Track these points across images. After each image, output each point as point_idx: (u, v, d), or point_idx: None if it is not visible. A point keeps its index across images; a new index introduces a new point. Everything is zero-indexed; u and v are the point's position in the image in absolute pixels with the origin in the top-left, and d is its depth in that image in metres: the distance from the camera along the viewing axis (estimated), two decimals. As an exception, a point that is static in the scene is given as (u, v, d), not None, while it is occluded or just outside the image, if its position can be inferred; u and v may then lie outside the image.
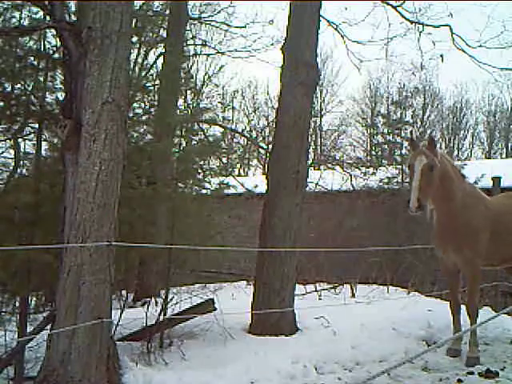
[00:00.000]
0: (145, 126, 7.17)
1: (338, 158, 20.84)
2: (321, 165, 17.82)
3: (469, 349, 5.60)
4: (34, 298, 6.22)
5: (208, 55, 21.01)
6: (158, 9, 12.59)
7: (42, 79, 6.02)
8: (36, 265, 5.18)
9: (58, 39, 5.41)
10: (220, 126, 12.52)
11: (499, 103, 32.06)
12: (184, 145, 7.34)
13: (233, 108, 27.52)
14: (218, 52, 17.88)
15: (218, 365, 5.17)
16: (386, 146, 15.33)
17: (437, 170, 5.01)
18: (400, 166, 12.80)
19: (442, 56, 10.93)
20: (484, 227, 5.54)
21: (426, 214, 5.42)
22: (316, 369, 5.35)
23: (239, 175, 21.04)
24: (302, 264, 9.21)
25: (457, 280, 5.81)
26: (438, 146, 5.74)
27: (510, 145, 31.85)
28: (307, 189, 7.53)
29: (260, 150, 22.26)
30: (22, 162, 6.59)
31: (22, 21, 6.12)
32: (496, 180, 9.14)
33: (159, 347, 5.84)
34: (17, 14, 6.12)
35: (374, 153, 24.95)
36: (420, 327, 6.49)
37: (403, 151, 13.48)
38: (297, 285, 7.13)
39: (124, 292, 7.32)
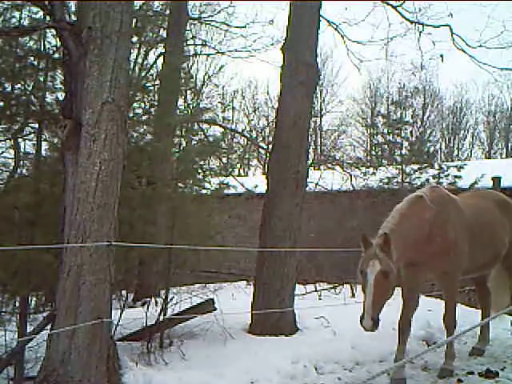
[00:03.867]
0: (145, 126, 7.17)
1: (338, 157, 20.84)
2: (321, 165, 17.83)
3: (445, 360, 5.28)
4: (34, 298, 6.22)
5: (208, 55, 21.04)
6: (158, 9, 12.62)
7: (42, 79, 6.02)
8: (36, 265, 5.18)
9: (58, 39, 5.42)
10: (220, 126, 12.52)
11: (499, 103, 32.05)
12: (184, 145, 7.35)
13: (233, 108, 27.54)
14: (218, 52, 17.91)
15: (218, 365, 5.17)
16: (386, 146, 15.30)
17: (393, 273, 4.38)
18: (400, 166, 12.79)
19: (442, 56, 10.95)
20: (463, 235, 5.14)
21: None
22: (316, 369, 5.35)
23: (239, 175, 21.03)
24: (302, 264, 9.22)
25: (416, 301, 5.28)
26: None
27: (510, 145, 31.84)
28: (307, 189, 7.52)
29: (260, 149, 22.25)
30: (22, 162, 6.60)
31: (22, 21, 6.12)
32: (496, 180, 9.15)
33: (159, 347, 5.84)
34: (17, 14, 6.13)
35: (374, 153, 24.93)
36: (420, 327, 6.49)
37: (403, 151, 13.46)
38: (297, 285, 7.14)
39: (124, 292, 7.32)
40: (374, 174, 12.97)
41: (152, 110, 7.34)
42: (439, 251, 4.93)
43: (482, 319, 6.06)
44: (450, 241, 4.99)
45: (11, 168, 6.49)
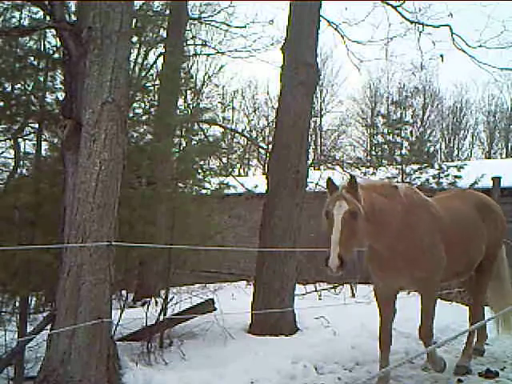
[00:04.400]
0: (145, 126, 7.17)
1: (338, 157, 20.86)
2: (321, 165, 17.81)
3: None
4: (34, 298, 6.22)
5: (208, 55, 21.05)
6: (158, 9, 12.61)
7: (42, 79, 6.02)
8: (36, 265, 5.18)
9: (58, 39, 5.42)
10: (220, 126, 12.53)
11: (499, 103, 32.09)
12: (184, 145, 7.34)
13: (233, 108, 27.57)
14: (218, 52, 17.92)
15: (218, 365, 5.17)
16: (385, 146, 15.29)
17: (361, 216, 4.01)
18: (400, 166, 12.79)
19: (442, 56, 10.96)
20: (439, 239, 4.65)
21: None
22: (316, 369, 5.34)
23: (239, 175, 21.03)
24: (302, 264, 9.21)
25: (392, 308, 4.87)
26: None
27: (510, 145, 31.85)
28: (307, 189, 7.51)
29: (260, 149, 22.27)
30: (22, 162, 6.60)
31: (22, 21, 6.13)
32: (496, 180, 9.14)
33: (159, 347, 5.85)
34: (17, 14, 6.13)
35: (374, 153, 24.93)
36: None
37: (403, 151, 13.47)
38: (297, 285, 7.14)
39: (124, 292, 7.33)
40: (374, 174, 12.98)
41: (152, 110, 7.35)
42: (412, 253, 4.47)
43: (472, 318, 5.65)
44: (424, 244, 4.54)
45: (11, 168, 6.50)
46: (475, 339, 5.57)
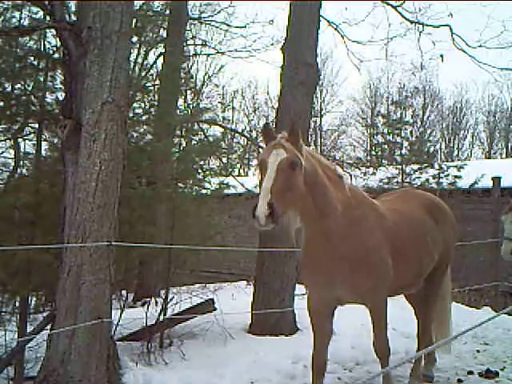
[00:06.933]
0: (145, 126, 7.18)
1: (338, 158, 20.87)
2: (321, 165, 17.76)
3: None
4: (34, 298, 6.22)
5: (208, 55, 21.08)
6: (158, 9, 12.62)
7: (42, 79, 6.02)
8: (36, 265, 5.18)
9: (58, 39, 5.42)
10: (220, 125, 12.51)
11: (499, 103, 32.14)
12: (184, 145, 7.34)
13: (233, 108, 27.58)
14: (218, 52, 17.94)
15: (218, 365, 5.17)
16: (385, 146, 15.33)
17: (301, 169, 3.43)
18: (400, 166, 12.80)
19: (442, 56, 10.97)
20: (385, 242, 3.98)
21: (290, 229, 3.76)
22: (316, 369, 5.33)
23: (239, 175, 21.04)
24: (302, 264, 9.18)
25: (329, 329, 4.09)
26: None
27: (510, 145, 31.87)
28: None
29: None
30: (22, 162, 6.60)
31: (22, 21, 6.13)
32: (496, 180, 9.16)
33: (159, 347, 5.85)
34: (17, 14, 6.13)
35: (374, 153, 24.96)
36: (420, 327, 6.49)
37: (403, 151, 13.49)
38: (297, 285, 7.13)
39: (124, 292, 7.32)
40: (374, 173, 12.98)
41: (152, 109, 7.35)
42: (354, 255, 3.78)
43: (421, 337, 4.99)
44: (369, 245, 3.87)
45: (11, 168, 6.50)
46: (422, 363, 5.05)
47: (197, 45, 17.90)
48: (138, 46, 10.86)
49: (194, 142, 7.71)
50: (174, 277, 7.00)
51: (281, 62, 7.23)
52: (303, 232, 3.89)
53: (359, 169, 13.47)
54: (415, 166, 12.60)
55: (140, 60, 13.18)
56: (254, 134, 25.77)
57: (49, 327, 4.84)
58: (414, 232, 4.38)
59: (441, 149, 29.97)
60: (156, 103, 7.52)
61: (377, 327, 4.04)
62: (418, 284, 4.68)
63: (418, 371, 4.88)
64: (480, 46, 10.92)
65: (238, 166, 24.66)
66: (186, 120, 7.94)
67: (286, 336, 6.39)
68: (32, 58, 6.00)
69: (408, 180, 12.37)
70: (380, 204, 4.31)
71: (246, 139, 21.79)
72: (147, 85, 8.24)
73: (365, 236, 3.86)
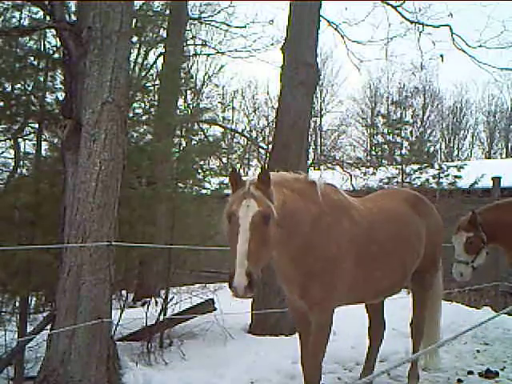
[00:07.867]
0: (145, 126, 7.18)
1: (338, 157, 20.87)
2: (321, 165, 17.82)
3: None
4: (34, 298, 6.23)
5: (208, 55, 21.05)
6: (158, 9, 12.61)
7: (42, 79, 6.02)
8: (36, 265, 5.18)
9: (58, 39, 5.42)
10: (220, 125, 12.53)
11: (499, 103, 32.15)
12: (184, 145, 7.35)
13: (233, 108, 27.56)
14: (218, 52, 17.93)
15: (218, 365, 5.17)
16: (385, 146, 15.32)
17: (274, 219, 3.20)
18: (400, 166, 12.80)
19: (442, 56, 10.98)
20: (346, 253, 3.77)
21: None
22: (316, 369, 5.34)
23: (239, 175, 20.98)
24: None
25: (308, 326, 3.83)
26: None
27: (510, 145, 31.88)
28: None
29: (260, 149, 22.25)
30: (22, 162, 6.60)
31: (22, 21, 6.13)
32: (496, 180, 9.15)
33: (159, 347, 5.85)
34: (17, 14, 6.13)
35: (374, 153, 24.96)
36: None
37: (403, 151, 13.49)
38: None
39: (124, 292, 7.32)
40: (374, 173, 12.99)
41: (152, 110, 7.35)
42: (311, 268, 3.61)
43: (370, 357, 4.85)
44: (327, 255, 3.66)
45: (11, 168, 6.50)
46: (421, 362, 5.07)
47: (197, 45, 17.90)
48: (138, 46, 10.85)
49: (194, 142, 7.72)
50: (174, 277, 7.00)
51: (281, 62, 7.23)
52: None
53: (359, 169, 13.48)
54: (415, 166, 12.59)
55: (140, 60, 13.17)
56: (253, 134, 25.75)
57: (49, 327, 4.84)
58: (395, 229, 4.22)
59: (441, 149, 29.99)
60: (156, 103, 7.52)
61: (313, 343, 3.74)
62: (401, 285, 4.59)
63: (416, 371, 4.90)
64: (480, 46, 10.95)
65: (238, 166, 24.64)
66: (186, 120, 7.94)
67: (286, 336, 6.39)
68: (32, 58, 6.01)
69: (408, 180, 12.36)
70: (360, 203, 4.19)
71: (246, 139, 21.76)
72: (147, 85, 8.25)
73: (326, 247, 3.66)
